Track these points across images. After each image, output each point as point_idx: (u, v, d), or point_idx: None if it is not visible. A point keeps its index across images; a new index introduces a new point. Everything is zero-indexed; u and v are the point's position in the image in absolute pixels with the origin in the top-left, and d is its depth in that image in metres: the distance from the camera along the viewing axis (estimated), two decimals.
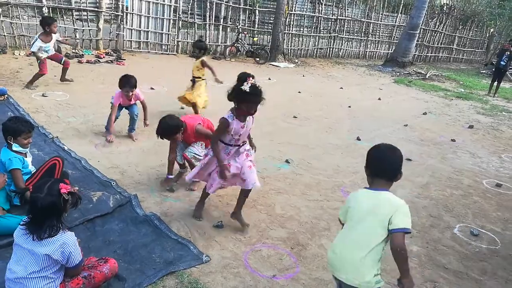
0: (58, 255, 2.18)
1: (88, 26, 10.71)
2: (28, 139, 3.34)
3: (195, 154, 3.92)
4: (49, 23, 6.59)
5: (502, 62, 11.85)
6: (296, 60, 14.17)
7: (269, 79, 10.43)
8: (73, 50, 10.04)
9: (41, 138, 4.74)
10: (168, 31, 12.00)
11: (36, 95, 6.34)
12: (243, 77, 3.01)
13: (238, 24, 13.44)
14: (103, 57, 10.11)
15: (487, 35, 22.36)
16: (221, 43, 13.21)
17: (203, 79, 6.27)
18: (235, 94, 3.04)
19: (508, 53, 11.75)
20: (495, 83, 12.06)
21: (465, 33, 20.80)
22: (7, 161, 3.23)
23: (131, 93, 5.03)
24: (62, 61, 7.11)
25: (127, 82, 5.02)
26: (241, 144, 3.27)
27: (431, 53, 19.56)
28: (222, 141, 3.19)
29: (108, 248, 2.93)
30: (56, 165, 3.46)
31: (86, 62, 9.29)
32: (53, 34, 6.73)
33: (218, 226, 3.38)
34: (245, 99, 3.02)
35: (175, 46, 12.31)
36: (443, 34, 19.59)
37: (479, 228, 3.90)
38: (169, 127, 3.79)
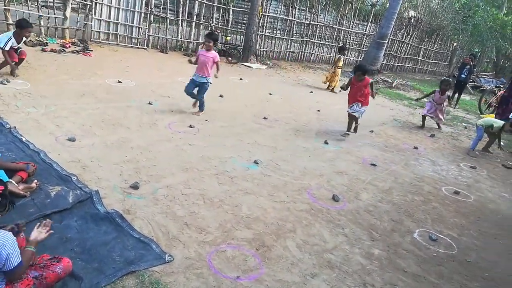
0: None
1: (54, 14, 10.26)
2: None
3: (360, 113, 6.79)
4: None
5: (462, 75, 12.39)
6: (268, 62, 14.22)
7: (241, 79, 10.40)
8: (37, 38, 9.59)
9: None
10: (139, 24, 11.71)
11: None
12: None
13: (211, 22, 13.31)
14: (69, 46, 9.71)
15: (451, 49, 23.39)
16: (193, 40, 13.05)
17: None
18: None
19: (468, 66, 12.30)
20: (456, 95, 12.61)
21: (430, 45, 21.66)
22: None
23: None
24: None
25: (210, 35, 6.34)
26: (436, 103, 8.63)
27: (398, 63, 20.21)
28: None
29: (65, 245, 2.79)
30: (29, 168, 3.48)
31: (50, 51, 8.89)
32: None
33: (134, 187, 3.73)
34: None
35: (146, 40, 12.03)
36: (409, 45, 20.30)
37: (438, 233, 4.04)
38: (367, 68, 7.48)
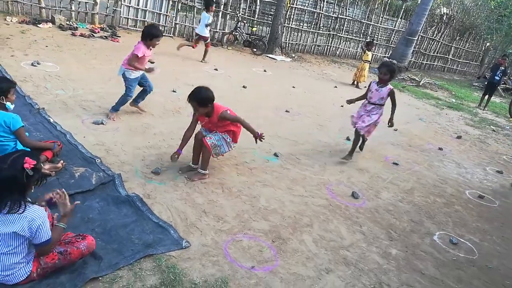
0: (26, 232, 2.11)
1: None
2: (14, 95, 3.32)
3: (216, 144, 3.83)
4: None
5: (496, 77, 11.96)
6: (293, 55, 14.10)
7: (265, 71, 10.35)
8: (67, 22, 9.80)
9: (26, 108, 4.63)
10: (167, 12, 11.80)
11: (25, 64, 6.17)
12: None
13: (238, 12, 13.28)
14: (98, 32, 9.89)
15: (483, 49, 22.55)
16: (219, 29, 13.06)
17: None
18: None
19: (503, 68, 11.87)
20: (486, 97, 12.21)
21: (461, 44, 20.96)
22: (12, 120, 3.18)
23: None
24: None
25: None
26: (372, 102, 5.19)
27: (426, 61, 19.67)
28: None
29: (87, 225, 2.87)
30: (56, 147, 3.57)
31: (79, 35, 9.08)
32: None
33: (155, 172, 3.77)
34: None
35: (172, 28, 12.12)
36: (440, 43, 19.70)
37: (458, 237, 3.94)
38: (201, 94, 3.69)
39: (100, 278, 2.42)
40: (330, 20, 16.01)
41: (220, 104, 3.84)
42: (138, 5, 11.26)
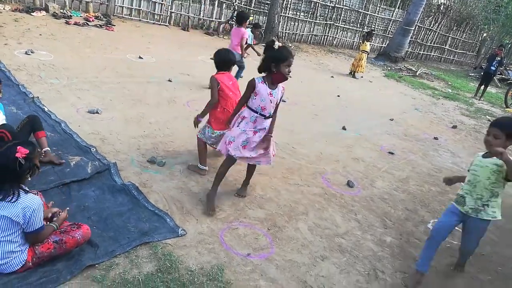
0: (20, 218, 2.14)
1: None
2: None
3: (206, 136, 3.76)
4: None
5: (492, 67, 11.97)
6: (290, 44, 14.03)
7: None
8: (61, 10, 9.68)
9: (20, 97, 4.59)
10: (162, 1, 11.68)
11: (19, 53, 6.11)
12: (270, 42, 3.27)
13: (234, 1, 13.16)
14: (92, 20, 9.78)
15: (480, 39, 22.56)
16: (215, 19, 12.95)
17: None
18: (270, 56, 3.17)
19: (499, 58, 11.89)
20: (482, 87, 12.24)
21: (458, 34, 20.94)
22: None
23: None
24: None
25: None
26: (267, 115, 3.26)
27: (423, 51, 19.66)
28: (249, 107, 3.29)
29: (82, 213, 2.87)
30: (3, 139, 3.09)
31: (73, 24, 8.98)
32: None
33: (151, 161, 3.77)
34: (280, 57, 3.15)
35: (168, 17, 12.01)
36: (437, 33, 19.67)
37: None
38: (216, 56, 3.96)
39: (97, 265, 2.43)
40: (327, 10, 15.92)
41: (224, 74, 4.05)
42: None
